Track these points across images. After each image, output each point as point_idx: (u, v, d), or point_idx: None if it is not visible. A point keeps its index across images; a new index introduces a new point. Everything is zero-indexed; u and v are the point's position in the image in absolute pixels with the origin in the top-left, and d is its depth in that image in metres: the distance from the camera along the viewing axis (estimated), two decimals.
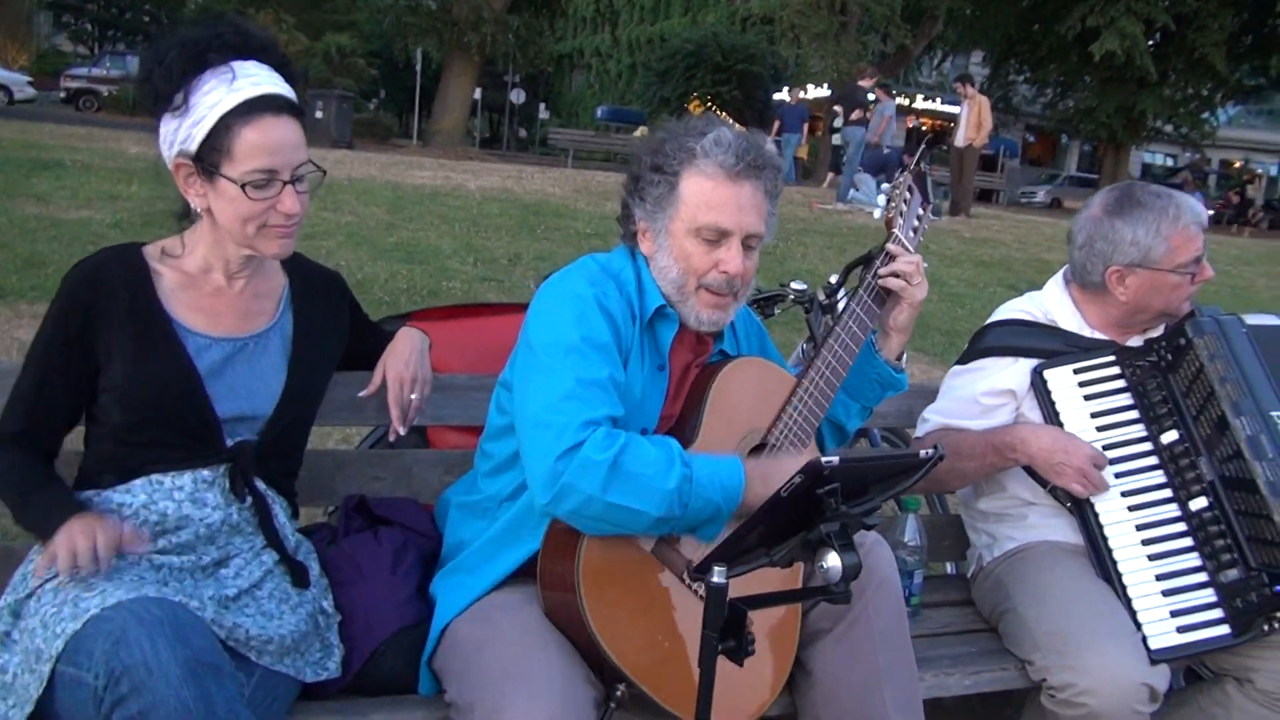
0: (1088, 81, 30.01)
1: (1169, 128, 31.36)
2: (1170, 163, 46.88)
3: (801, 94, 23.32)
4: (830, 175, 20.11)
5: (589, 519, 1.78)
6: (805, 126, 21.04)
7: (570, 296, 1.94)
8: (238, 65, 1.81)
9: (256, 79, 1.82)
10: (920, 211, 2.25)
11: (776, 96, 23.04)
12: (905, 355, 2.26)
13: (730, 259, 1.96)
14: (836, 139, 19.08)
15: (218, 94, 1.78)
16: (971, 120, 15.89)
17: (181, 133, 1.80)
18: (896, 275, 2.13)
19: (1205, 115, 31.48)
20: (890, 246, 2.16)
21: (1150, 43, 26.89)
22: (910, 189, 2.23)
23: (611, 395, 1.85)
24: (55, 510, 1.74)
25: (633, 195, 2.03)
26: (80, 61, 37.63)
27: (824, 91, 30.70)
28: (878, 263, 2.15)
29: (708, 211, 1.94)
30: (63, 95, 30.83)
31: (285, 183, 1.83)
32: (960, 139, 16.15)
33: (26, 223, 7.90)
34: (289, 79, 1.88)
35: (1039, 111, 36.77)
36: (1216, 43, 26.49)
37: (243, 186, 1.79)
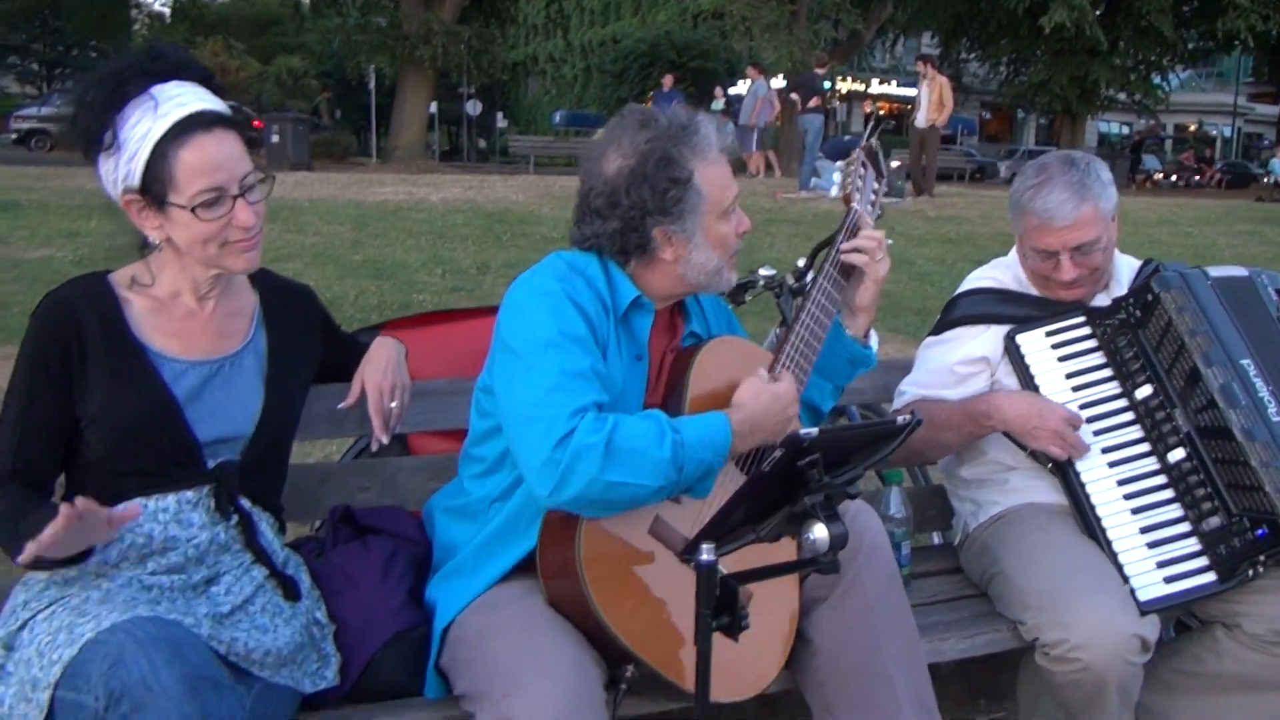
0: (1039, 55, 30.26)
1: (1122, 96, 31.68)
2: (1125, 130, 47.38)
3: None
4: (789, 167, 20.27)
5: (592, 502, 1.79)
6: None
7: (540, 293, 1.95)
8: (157, 90, 1.78)
9: (180, 99, 1.78)
10: (875, 186, 2.28)
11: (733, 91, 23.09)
12: (873, 331, 2.28)
13: (742, 219, 2.08)
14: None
15: (145, 124, 1.75)
16: (933, 100, 15.97)
17: (120, 170, 1.78)
18: (859, 251, 2.15)
19: (1157, 81, 31.85)
20: (849, 221, 2.19)
21: (1097, 12, 27.19)
22: (864, 164, 2.26)
23: (595, 384, 1.87)
24: (44, 518, 1.70)
25: (652, 216, 1.98)
26: (29, 102, 37.25)
27: (779, 83, 30.83)
28: (839, 238, 2.18)
29: (726, 190, 2.02)
30: (14, 136, 30.51)
31: (235, 197, 1.80)
32: (921, 120, 16.24)
33: None
34: (215, 92, 1.85)
35: (994, 89, 37.07)
36: (1162, 9, 26.81)
37: (193, 210, 1.77)
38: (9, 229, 9.21)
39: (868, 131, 2.36)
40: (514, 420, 1.87)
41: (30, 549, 1.59)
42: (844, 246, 2.16)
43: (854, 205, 2.20)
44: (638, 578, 1.87)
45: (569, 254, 2.08)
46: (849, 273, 2.18)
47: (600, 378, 1.89)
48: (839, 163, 2.35)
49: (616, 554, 1.85)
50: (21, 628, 1.71)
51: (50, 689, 1.55)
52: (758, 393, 1.96)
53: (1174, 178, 34.79)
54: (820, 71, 17.33)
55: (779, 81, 26.61)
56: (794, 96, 17.99)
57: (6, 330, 5.98)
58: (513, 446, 1.89)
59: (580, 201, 2.05)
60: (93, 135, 1.78)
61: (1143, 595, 2.25)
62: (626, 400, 1.99)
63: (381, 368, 2.17)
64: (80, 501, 1.58)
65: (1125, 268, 2.61)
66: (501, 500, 2.00)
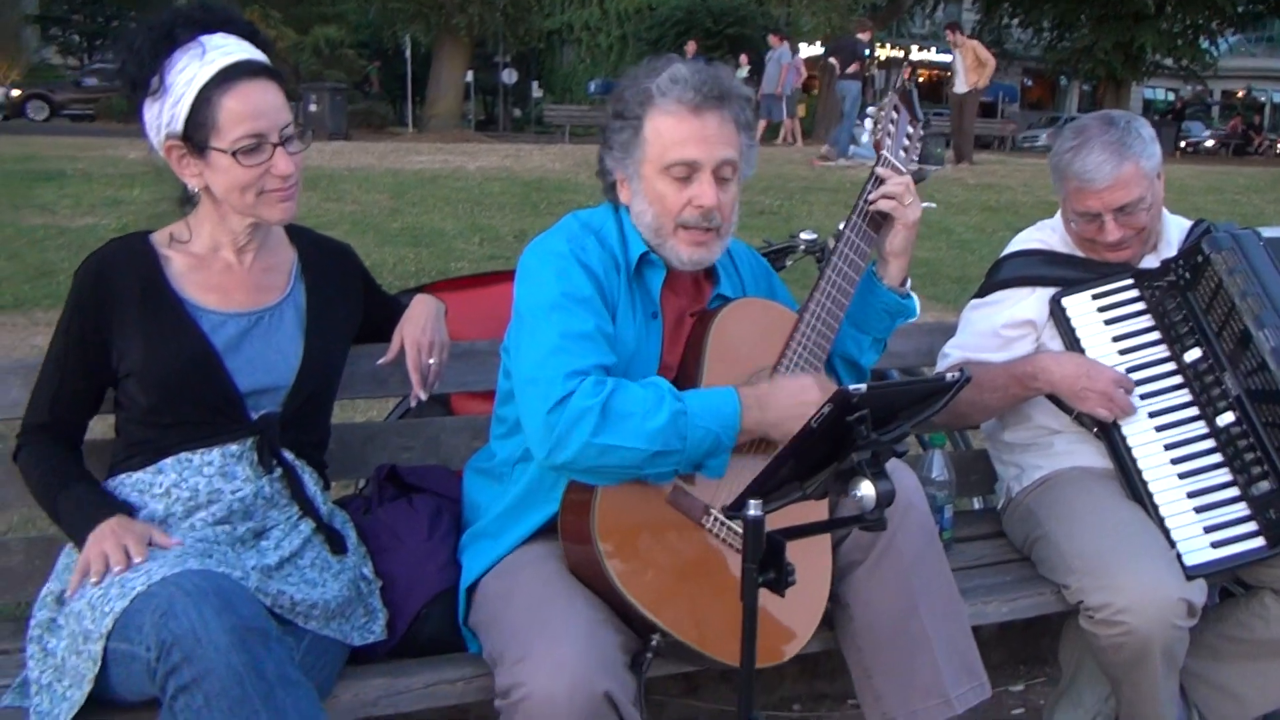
0: (1083, 20, 29.71)
1: (1169, 61, 31.05)
2: (1171, 97, 46.42)
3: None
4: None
5: (589, 468, 1.79)
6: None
7: (548, 255, 1.96)
8: (205, 39, 1.83)
9: (227, 49, 1.83)
10: (909, 130, 2.19)
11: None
12: (909, 280, 2.20)
13: (703, 192, 1.94)
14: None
15: (191, 69, 1.80)
16: (969, 64, 15.75)
17: (165, 114, 1.82)
18: (887, 197, 2.09)
19: (1205, 46, 31.16)
20: (879, 170, 2.11)
21: None
22: (896, 108, 2.18)
23: (600, 345, 1.86)
24: (82, 514, 1.78)
25: (603, 146, 2.03)
26: (71, 73, 37.58)
27: (817, 49, 30.42)
28: (868, 186, 2.11)
29: (674, 148, 1.93)
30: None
31: (275, 145, 1.84)
32: (960, 85, 16.01)
33: (34, 233, 7.95)
34: (260, 47, 1.89)
35: (1036, 55, 36.44)
36: None
37: (234, 155, 1.81)
38: (55, 198, 9.34)
39: (901, 76, 2.30)
40: (519, 382, 1.88)
41: (75, 581, 1.72)
42: (871, 195, 2.09)
43: (884, 152, 2.13)
44: (657, 547, 1.86)
45: (586, 212, 2.08)
46: (879, 224, 2.11)
47: (607, 339, 1.89)
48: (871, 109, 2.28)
49: (634, 523, 1.84)
50: None
51: (103, 640, 1.59)
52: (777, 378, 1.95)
53: (1218, 143, 34.03)
54: (862, 37, 17.03)
55: (815, 48, 26.29)
56: (832, 61, 17.75)
57: (53, 297, 6.10)
58: (519, 408, 1.89)
59: None
60: (140, 81, 1.82)
61: (1189, 560, 2.23)
62: (641, 359, 1.97)
63: (420, 325, 2.19)
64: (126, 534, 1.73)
65: (1175, 228, 2.57)
66: (524, 461, 2.00)
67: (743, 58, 22.22)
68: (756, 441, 1.93)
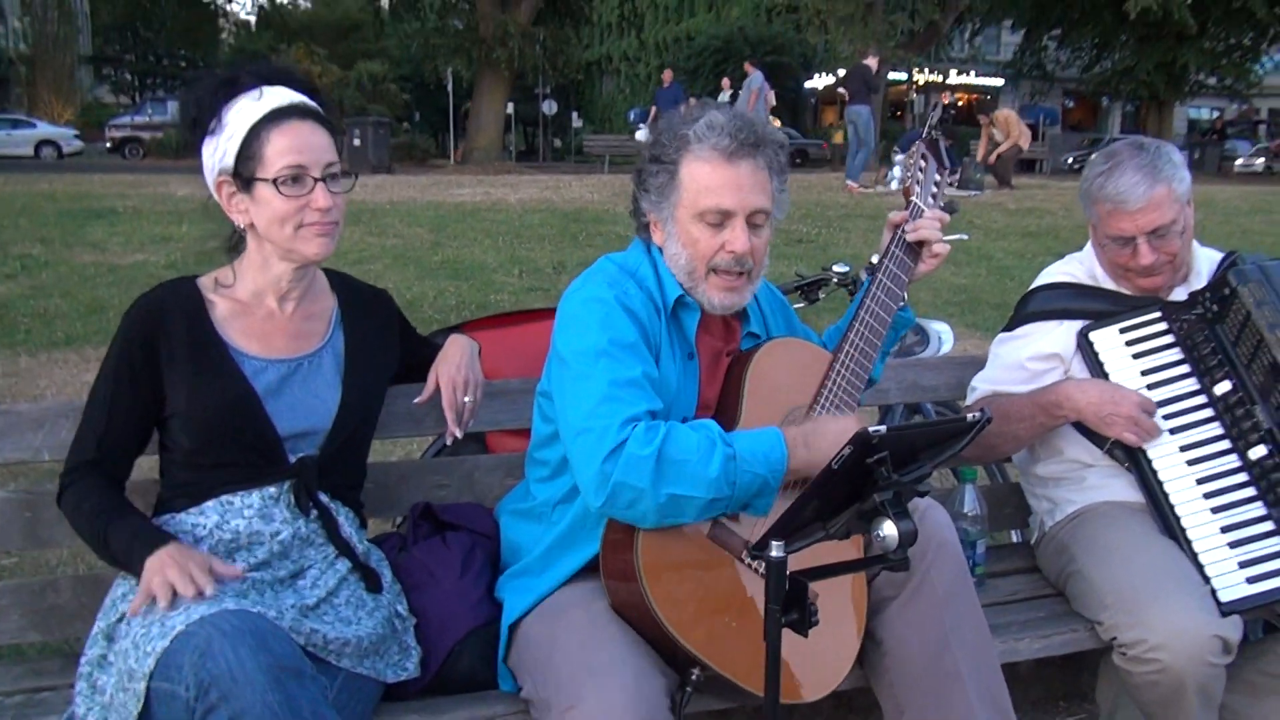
0: (1124, 40, 29.48)
1: (1212, 80, 30.70)
2: (1217, 115, 45.83)
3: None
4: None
5: (645, 514, 1.81)
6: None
7: (592, 302, 1.97)
8: (266, 87, 1.93)
9: (282, 94, 1.93)
10: (938, 177, 2.27)
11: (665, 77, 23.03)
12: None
13: (735, 238, 1.98)
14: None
15: (248, 109, 1.90)
16: (1003, 130, 16.65)
17: (219, 150, 1.91)
18: (922, 243, 2.18)
19: (1249, 64, 30.77)
20: (914, 213, 2.21)
21: None
22: (925, 156, 2.26)
23: (647, 391, 1.89)
24: (137, 543, 1.82)
25: (638, 188, 2.08)
26: (123, 111, 38.52)
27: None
28: (900, 232, 2.19)
29: (708, 195, 1.97)
30: (108, 145, 31.60)
31: (316, 179, 1.91)
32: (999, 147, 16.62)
33: (85, 270, 8.15)
34: (319, 104, 1.98)
35: (1076, 76, 36.19)
36: None
37: (275, 184, 1.88)
38: (106, 235, 9.57)
39: (929, 124, 2.36)
40: (568, 432, 1.90)
41: (137, 603, 1.76)
42: (908, 228, 2.18)
43: (913, 199, 2.22)
44: (699, 582, 1.88)
45: (620, 255, 2.11)
46: (912, 264, 2.19)
47: (653, 383, 1.91)
48: (900, 156, 2.37)
49: (676, 559, 1.86)
50: (121, 619, 1.80)
51: (146, 679, 1.63)
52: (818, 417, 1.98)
53: (1265, 162, 33.39)
54: (869, 63, 17.12)
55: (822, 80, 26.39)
56: (841, 91, 17.97)
57: (104, 334, 6.24)
58: (569, 458, 1.92)
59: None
60: (202, 121, 1.92)
61: (1224, 596, 2.21)
62: (682, 400, 2.01)
63: (455, 363, 2.24)
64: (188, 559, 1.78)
65: (1205, 260, 2.56)
66: (565, 503, 2.03)
67: (724, 82, 22.66)
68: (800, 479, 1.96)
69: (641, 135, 24.05)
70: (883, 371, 2.53)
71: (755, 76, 18.25)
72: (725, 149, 1.96)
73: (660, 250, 2.07)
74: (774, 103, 19.10)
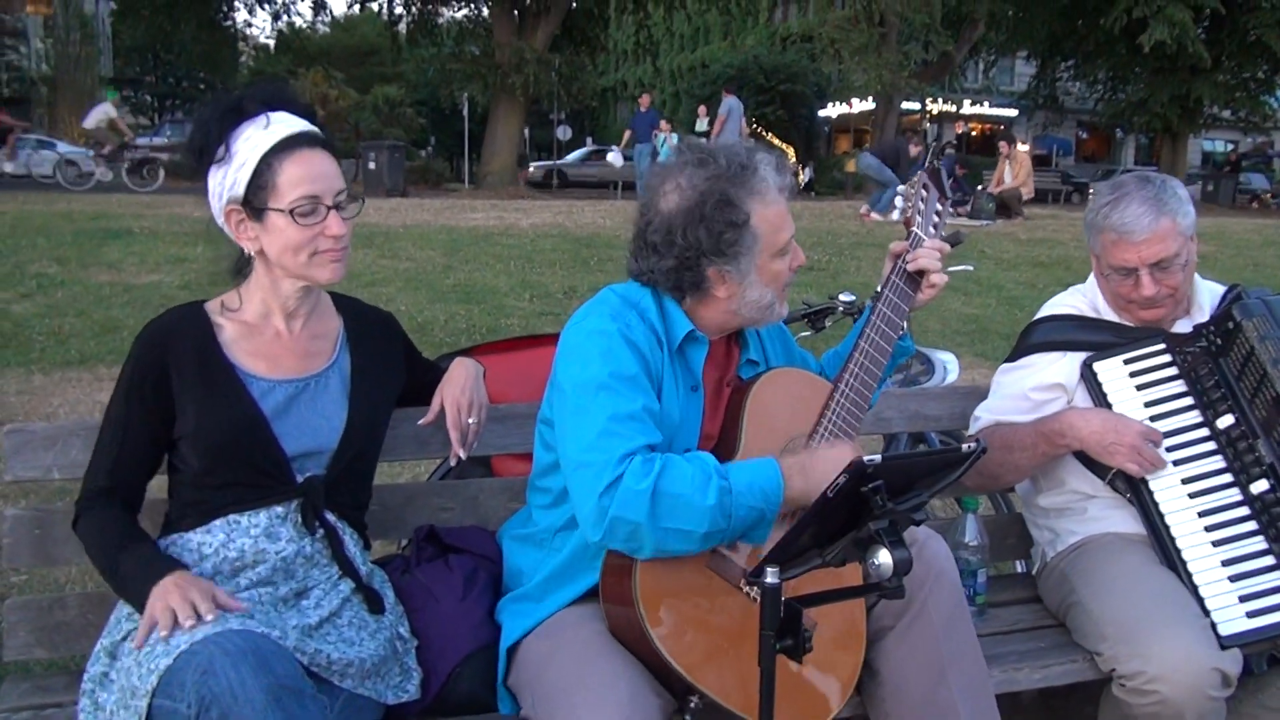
0: (1138, 73, 29.54)
1: (1226, 113, 30.70)
2: (1231, 148, 45.82)
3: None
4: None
5: (642, 546, 1.83)
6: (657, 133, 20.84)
7: (594, 334, 1.98)
8: (270, 114, 1.96)
9: (289, 122, 1.96)
10: (939, 207, 2.31)
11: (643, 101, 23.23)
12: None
13: (798, 253, 2.10)
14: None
15: (256, 138, 1.93)
16: (1016, 173, 16.55)
17: (228, 179, 1.93)
18: (925, 273, 2.21)
19: (1263, 97, 30.79)
20: (914, 243, 2.24)
21: (1201, 27, 26.44)
22: (925, 186, 2.30)
23: (647, 424, 1.90)
24: (142, 574, 1.84)
25: (707, 257, 2.00)
26: (142, 132, 38.84)
27: (869, 105, 30.55)
28: (900, 263, 2.23)
29: (780, 232, 2.03)
30: (127, 165, 31.83)
31: (329, 208, 1.95)
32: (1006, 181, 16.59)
33: (100, 290, 8.22)
34: (317, 127, 2.02)
35: (1090, 107, 36.27)
36: (1270, 23, 25.95)
37: (291, 214, 1.92)
38: (122, 255, 9.65)
39: (929, 155, 2.40)
40: (567, 464, 1.92)
41: (141, 635, 1.76)
42: (909, 258, 2.22)
43: (914, 229, 2.26)
44: (696, 610, 1.89)
45: (622, 286, 2.11)
46: (912, 293, 2.23)
47: (653, 416, 1.93)
48: (900, 188, 2.41)
49: (675, 587, 1.88)
50: (124, 638, 1.83)
51: (148, 696, 1.65)
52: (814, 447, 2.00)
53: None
54: (912, 149, 16.88)
55: (868, 104, 26.44)
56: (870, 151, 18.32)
57: (117, 353, 6.30)
58: (569, 490, 1.93)
59: (637, 235, 2.08)
60: (208, 149, 1.95)
61: (1224, 629, 2.21)
62: (685, 431, 2.02)
63: (460, 385, 2.27)
64: (190, 588, 1.78)
65: (1207, 293, 2.58)
66: (566, 531, 2.05)
67: (701, 109, 23.38)
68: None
69: (613, 158, 24.29)
70: (887, 401, 2.55)
71: (726, 102, 18.95)
72: (778, 185, 2.03)
73: (673, 298, 2.06)
74: (746, 130, 19.50)
